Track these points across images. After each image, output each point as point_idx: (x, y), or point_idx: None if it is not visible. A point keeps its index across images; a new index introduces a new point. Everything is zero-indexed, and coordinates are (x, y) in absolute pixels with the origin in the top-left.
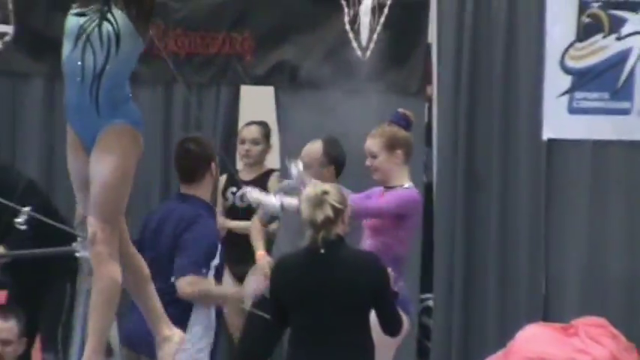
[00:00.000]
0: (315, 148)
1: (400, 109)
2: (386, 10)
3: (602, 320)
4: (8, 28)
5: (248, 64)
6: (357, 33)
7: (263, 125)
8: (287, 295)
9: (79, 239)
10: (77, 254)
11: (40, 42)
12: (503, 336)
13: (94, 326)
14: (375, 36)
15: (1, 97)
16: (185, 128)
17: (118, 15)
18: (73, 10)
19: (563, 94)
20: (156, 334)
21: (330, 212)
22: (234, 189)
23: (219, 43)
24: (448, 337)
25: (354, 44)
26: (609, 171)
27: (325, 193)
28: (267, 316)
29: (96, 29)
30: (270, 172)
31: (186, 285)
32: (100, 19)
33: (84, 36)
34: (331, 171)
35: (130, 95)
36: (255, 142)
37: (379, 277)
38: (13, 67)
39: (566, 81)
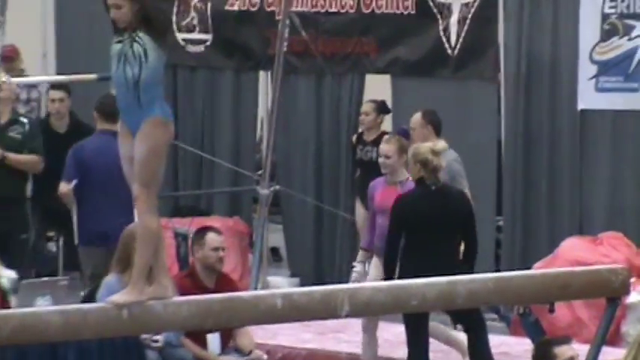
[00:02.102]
0: (417, 116)
1: (404, 126)
2: (468, 21)
3: (619, 234)
4: (208, 36)
5: (372, 60)
6: (448, 37)
7: (375, 101)
8: (407, 217)
9: (260, 181)
10: (259, 191)
11: (229, 45)
12: (551, 246)
13: (137, 262)
14: (460, 39)
15: (204, 84)
16: (331, 105)
17: (143, 36)
18: (115, 39)
19: (592, 78)
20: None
21: (443, 162)
22: (361, 146)
23: (352, 45)
24: (513, 247)
25: (446, 45)
26: (624, 132)
27: (444, 149)
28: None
29: (130, 50)
30: (383, 133)
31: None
32: (131, 41)
33: (122, 56)
34: (430, 129)
35: (162, 94)
36: (365, 113)
37: (468, 208)
38: (211, 64)
39: (594, 69)
